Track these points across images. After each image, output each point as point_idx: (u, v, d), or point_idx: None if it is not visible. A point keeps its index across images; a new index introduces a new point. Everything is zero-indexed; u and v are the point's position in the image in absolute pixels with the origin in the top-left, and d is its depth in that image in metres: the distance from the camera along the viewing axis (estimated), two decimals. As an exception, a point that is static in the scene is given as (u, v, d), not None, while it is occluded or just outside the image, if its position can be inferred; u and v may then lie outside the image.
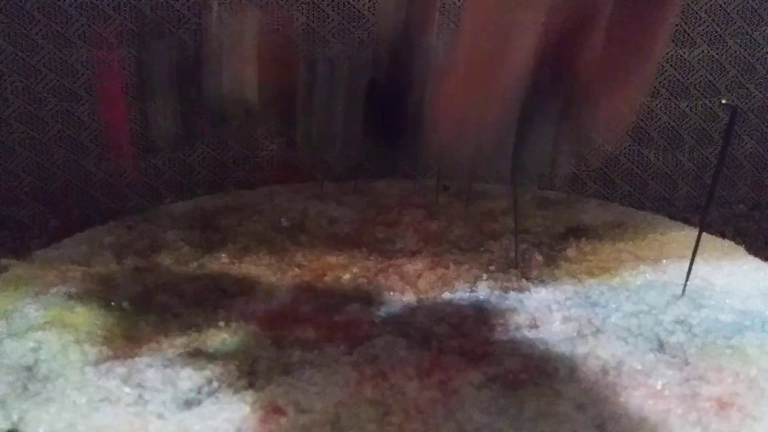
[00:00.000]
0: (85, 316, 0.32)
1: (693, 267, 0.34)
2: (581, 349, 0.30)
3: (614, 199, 0.53)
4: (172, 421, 0.25)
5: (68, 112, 0.48)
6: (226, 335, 0.31)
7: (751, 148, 0.55)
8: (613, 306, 0.33)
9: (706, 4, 0.50)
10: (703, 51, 0.50)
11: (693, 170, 0.55)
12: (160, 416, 0.25)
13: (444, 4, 0.42)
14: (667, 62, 0.51)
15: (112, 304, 0.33)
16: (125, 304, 0.33)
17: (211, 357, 0.29)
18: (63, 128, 0.48)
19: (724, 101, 0.32)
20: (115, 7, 0.46)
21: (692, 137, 0.54)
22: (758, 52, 0.52)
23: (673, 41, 0.50)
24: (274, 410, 0.26)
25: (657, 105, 0.51)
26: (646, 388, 0.28)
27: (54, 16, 0.46)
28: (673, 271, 0.36)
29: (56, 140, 0.48)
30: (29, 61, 0.46)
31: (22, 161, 0.47)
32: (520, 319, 0.32)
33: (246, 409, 0.26)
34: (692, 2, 0.49)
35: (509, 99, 0.26)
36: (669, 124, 0.52)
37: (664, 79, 0.51)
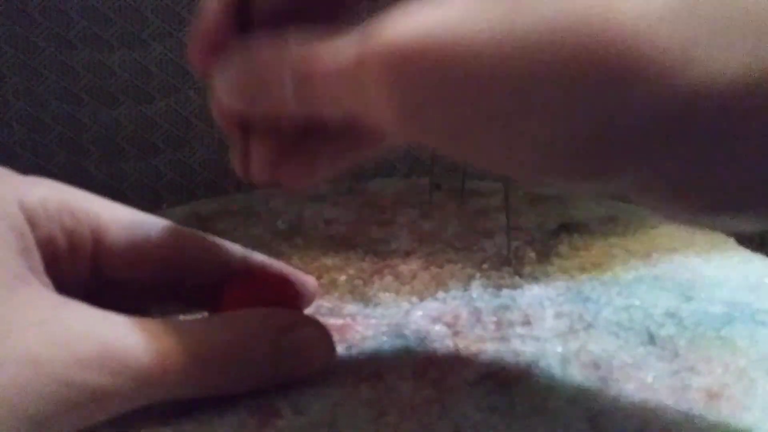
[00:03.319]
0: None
1: (683, 259, 0.35)
2: (573, 345, 0.31)
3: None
4: (171, 425, 0.26)
5: (69, 114, 0.48)
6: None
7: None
8: (605, 301, 0.34)
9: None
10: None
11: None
12: (160, 420, 0.26)
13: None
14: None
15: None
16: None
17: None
18: (64, 130, 0.48)
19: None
20: (116, 10, 0.46)
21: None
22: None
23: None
24: (271, 412, 0.26)
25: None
26: (637, 381, 0.28)
27: (55, 18, 0.46)
28: (664, 264, 0.37)
29: (57, 142, 0.48)
30: (30, 63, 0.47)
31: (23, 163, 0.48)
32: (513, 316, 0.33)
33: (243, 412, 0.26)
34: None
35: None
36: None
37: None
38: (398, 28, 0.21)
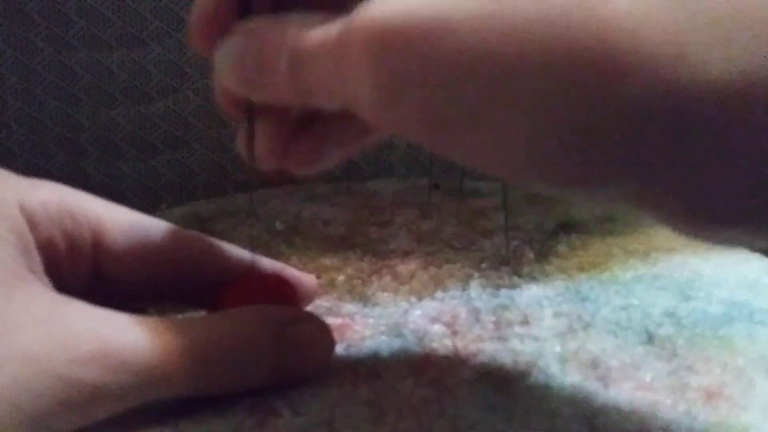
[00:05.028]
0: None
1: (682, 259, 0.35)
2: (571, 344, 0.31)
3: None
4: (170, 424, 0.26)
5: (68, 114, 0.48)
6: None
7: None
8: (603, 300, 0.34)
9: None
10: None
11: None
12: (158, 420, 0.26)
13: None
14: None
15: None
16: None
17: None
18: (62, 131, 0.48)
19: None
20: (115, 10, 0.46)
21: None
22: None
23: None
24: (270, 413, 0.26)
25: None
26: (635, 381, 0.28)
27: (54, 18, 0.46)
28: (662, 264, 0.37)
29: (55, 142, 0.48)
30: (29, 63, 0.47)
31: (22, 163, 0.48)
32: (512, 315, 0.33)
33: (242, 412, 0.26)
34: None
35: None
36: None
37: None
38: (382, 7, 0.20)
